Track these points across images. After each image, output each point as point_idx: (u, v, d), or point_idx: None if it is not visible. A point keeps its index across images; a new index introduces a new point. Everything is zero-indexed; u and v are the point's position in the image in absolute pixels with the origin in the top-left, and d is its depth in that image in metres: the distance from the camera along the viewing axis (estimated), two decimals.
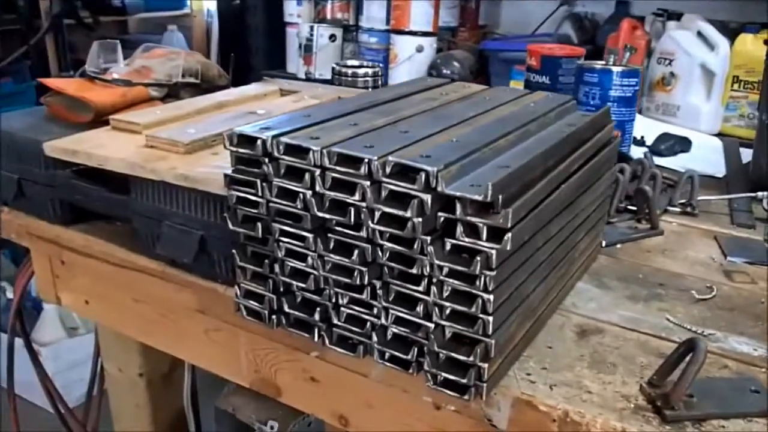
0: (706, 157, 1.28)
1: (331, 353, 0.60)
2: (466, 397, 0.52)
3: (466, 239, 0.49)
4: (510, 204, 0.48)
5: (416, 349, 0.54)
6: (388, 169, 0.50)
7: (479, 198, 0.47)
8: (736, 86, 1.99)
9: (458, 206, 0.48)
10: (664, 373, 0.54)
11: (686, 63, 2.00)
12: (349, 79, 1.13)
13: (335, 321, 0.58)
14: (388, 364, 0.56)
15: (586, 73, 1.11)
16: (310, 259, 0.57)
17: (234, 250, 0.61)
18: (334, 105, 0.68)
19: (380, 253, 0.53)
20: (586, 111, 1.09)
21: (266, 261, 0.59)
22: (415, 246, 0.51)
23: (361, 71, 1.13)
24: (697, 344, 0.52)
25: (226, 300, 0.68)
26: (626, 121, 1.12)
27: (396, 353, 0.55)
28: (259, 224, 0.58)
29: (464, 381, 0.51)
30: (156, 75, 0.90)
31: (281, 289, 0.60)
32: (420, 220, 0.49)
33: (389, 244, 0.52)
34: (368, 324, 0.56)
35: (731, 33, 2.07)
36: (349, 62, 1.20)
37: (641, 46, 2.10)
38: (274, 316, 0.61)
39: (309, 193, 0.54)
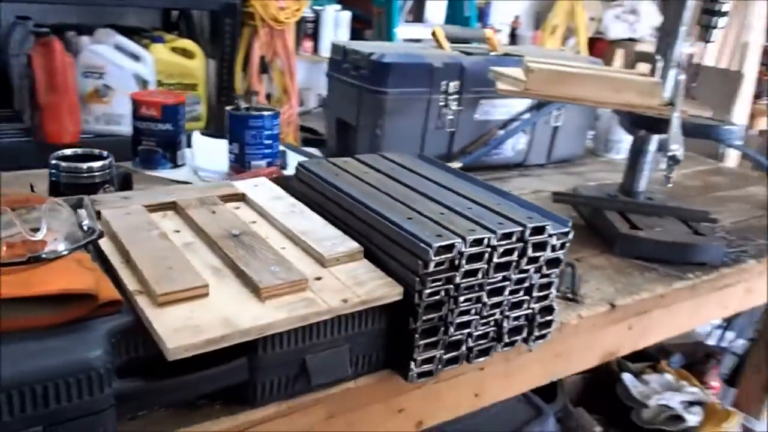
0: None
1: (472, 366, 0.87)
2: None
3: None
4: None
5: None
6: (529, 233, 0.83)
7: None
8: (161, 88, 2.37)
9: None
10: (561, 283, 1.07)
11: (119, 74, 2.26)
12: (84, 176, 1.04)
13: (470, 345, 0.85)
14: (507, 348, 0.89)
15: (251, 120, 1.36)
16: (473, 310, 0.82)
17: (416, 335, 0.78)
18: (373, 197, 0.85)
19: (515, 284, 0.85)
20: (256, 152, 1.37)
21: (441, 329, 0.80)
22: (533, 267, 0.86)
23: (97, 164, 1.05)
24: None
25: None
26: (280, 152, 1.44)
27: (512, 339, 0.89)
28: (446, 305, 0.79)
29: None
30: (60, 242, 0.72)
31: (447, 345, 0.82)
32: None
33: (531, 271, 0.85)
34: (491, 333, 0.87)
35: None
36: (68, 151, 1.06)
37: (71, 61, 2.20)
38: (440, 366, 0.82)
39: (486, 266, 0.80)
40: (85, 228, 0.76)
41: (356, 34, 2.93)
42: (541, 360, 1.02)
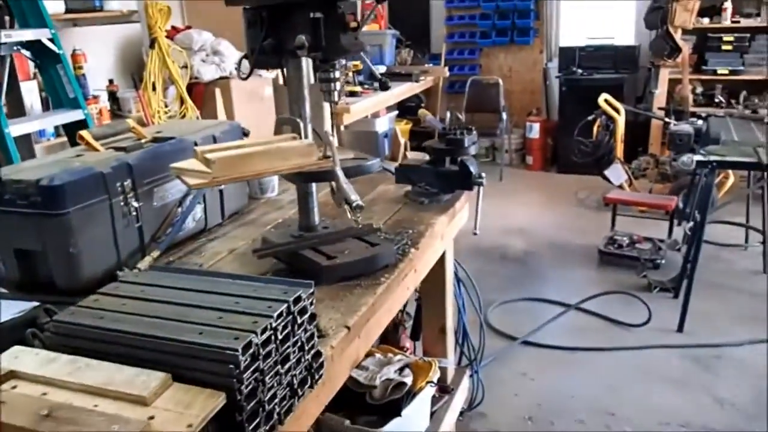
0: None
1: None
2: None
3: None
4: None
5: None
6: (293, 305, 1.03)
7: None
8: None
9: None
10: None
11: None
12: None
13: (278, 411, 1.02)
14: (300, 400, 1.08)
15: None
16: (275, 382, 0.99)
17: (245, 425, 0.92)
18: (152, 326, 0.94)
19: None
20: None
21: (259, 410, 0.95)
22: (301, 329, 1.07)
23: None
24: None
25: None
26: None
27: (303, 390, 1.08)
28: (259, 389, 0.94)
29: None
30: None
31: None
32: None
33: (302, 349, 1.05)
34: (287, 393, 1.06)
35: None
36: None
37: None
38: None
39: (275, 345, 0.97)
40: None
41: None
42: (317, 394, 1.23)
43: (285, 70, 1.58)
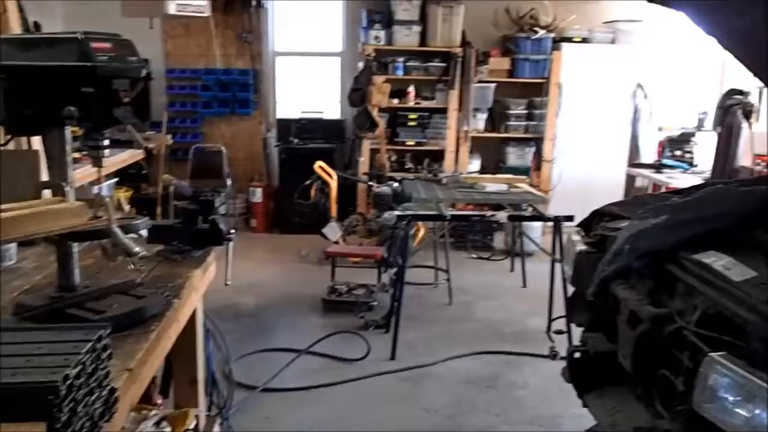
0: None
1: None
2: None
3: None
4: None
5: None
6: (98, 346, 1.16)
7: None
8: None
9: None
10: None
11: None
12: None
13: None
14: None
15: None
16: (84, 413, 1.11)
17: None
18: None
19: None
20: None
21: None
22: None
23: None
24: None
25: None
26: None
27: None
28: (75, 421, 1.06)
29: None
30: None
31: None
32: None
33: None
34: (92, 421, 1.18)
35: None
36: None
37: None
38: None
39: (84, 380, 1.10)
40: None
41: None
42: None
43: (45, 137, 1.66)
